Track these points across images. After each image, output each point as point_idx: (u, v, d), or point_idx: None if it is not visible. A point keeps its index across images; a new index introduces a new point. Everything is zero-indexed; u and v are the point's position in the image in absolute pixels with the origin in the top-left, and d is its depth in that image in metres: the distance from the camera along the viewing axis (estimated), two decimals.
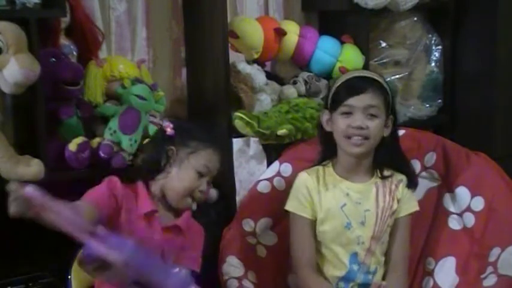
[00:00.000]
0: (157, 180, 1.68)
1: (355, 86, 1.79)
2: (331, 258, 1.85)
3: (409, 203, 1.86)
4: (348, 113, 1.77)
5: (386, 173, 1.86)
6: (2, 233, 1.88)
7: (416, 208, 1.88)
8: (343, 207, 1.82)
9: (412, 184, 1.88)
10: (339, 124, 1.78)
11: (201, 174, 1.67)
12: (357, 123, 1.75)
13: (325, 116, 1.85)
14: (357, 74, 1.87)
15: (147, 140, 1.85)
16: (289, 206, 1.87)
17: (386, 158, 1.85)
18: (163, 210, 1.69)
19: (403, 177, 1.87)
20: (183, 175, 1.66)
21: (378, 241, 1.83)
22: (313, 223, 1.85)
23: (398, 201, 1.84)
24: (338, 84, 1.84)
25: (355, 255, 1.83)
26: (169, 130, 1.70)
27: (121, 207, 1.59)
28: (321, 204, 1.83)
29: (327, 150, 1.89)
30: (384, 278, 1.87)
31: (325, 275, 1.86)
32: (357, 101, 1.76)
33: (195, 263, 1.71)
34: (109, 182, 1.60)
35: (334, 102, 1.81)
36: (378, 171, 1.86)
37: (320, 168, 1.88)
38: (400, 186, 1.85)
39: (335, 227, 1.82)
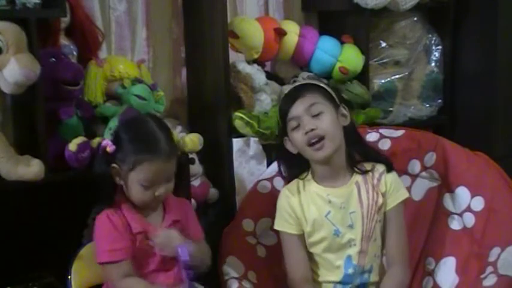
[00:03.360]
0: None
1: (290, 96, 1.83)
2: (325, 265, 1.84)
3: (396, 193, 1.84)
4: (297, 126, 1.79)
5: (366, 167, 1.85)
6: (2, 233, 1.88)
7: (406, 195, 1.86)
8: (327, 215, 1.82)
9: (389, 170, 1.86)
10: (296, 138, 1.80)
11: (146, 187, 1.61)
12: (306, 127, 1.76)
13: (288, 143, 1.86)
14: (288, 88, 1.91)
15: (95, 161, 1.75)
16: (277, 224, 1.88)
17: (356, 148, 1.86)
18: (149, 210, 1.68)
19: (384, 168, 1.87)
20: (131, 191, 1.62)
21: (369, 240, 1.82)
22: (302, 237, 1.85)
23: (383, 195, 1.84)
24: (279, 107, 1.87)
25: (349, 259, 1.82)
26: (109, 148, 1.63)
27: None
28: (306, 218, 1.83)
29: (301, 169, 1.89)
30: (382, 275, 1.86)
31: (322, 281, 1.85)
32: (297, 109, 1.78)
33: (198, 232, 1.77)
34: (105, 228, 1.61)
35: (283, 125, 1.84)
36: (355, 167, 1.85)
37: (300, 181, 1.88)
38: (383, 178, 1.84)
39: (324, 236, 1.82)
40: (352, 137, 1.85)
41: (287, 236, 1.85)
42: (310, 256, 1.86)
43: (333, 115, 1.79)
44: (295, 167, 1.90)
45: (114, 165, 1.62)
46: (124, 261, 1.59)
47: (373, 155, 1.89)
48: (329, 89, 1.85)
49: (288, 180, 1.92)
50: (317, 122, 1.76)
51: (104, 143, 1.63)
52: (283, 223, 1.86)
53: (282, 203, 1.87)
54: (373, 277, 1.85)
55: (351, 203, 1.82)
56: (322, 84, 1.87)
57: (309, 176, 1.87)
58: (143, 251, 1.64)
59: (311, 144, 1.77)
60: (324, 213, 1.82)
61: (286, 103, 1.83)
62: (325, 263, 1.84)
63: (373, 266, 1.84)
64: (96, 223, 1.64)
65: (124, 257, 1.59)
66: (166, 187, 1.63)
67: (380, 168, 1.86)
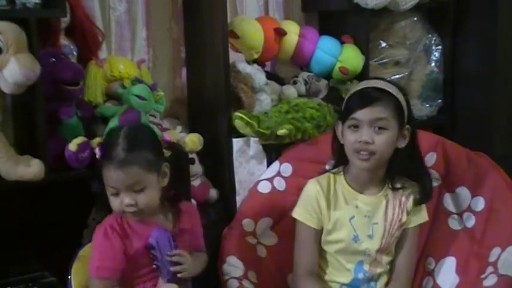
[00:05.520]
0: None
1: (364, 98, 1.74)
2: (336, 266, 1.83)
3: (419, 214, 1.83)
4: (355, 127, 1.73)
5: (397, 184, 1.81)
6: (1, 233, 1.88)
7: (426, 219, 1.86)
8: (351, 219, 1.80)
9: (423, 198, 1.81)
10: (348, 138, 1.75)
11: (112, 194, 1.56)
12: (363, 137, 1.70)
13: (339, 128, 1.81)
14: (368, 84, 1.80)
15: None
16: (297, 213, 1.84)
17: (402, 169, 1.81)
18: (156, 217, 1.65)
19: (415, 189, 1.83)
20: (109, 200, 1.58)
21: (383, 252, 1.81)
22: (318, 232, 1.83)
23: (408, 213, 1.81)
24: (350, 95, 1.80)
25: (360, 264, 1.81)
26: (97, 155, 1.58)
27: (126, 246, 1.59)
28: (330, 216, 1.81)
29: (340, 160, 1.85)
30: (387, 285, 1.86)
31: (329, 280, 1.85)
32: (364, 114, 1.71)
33: (200, 238, 1.76)
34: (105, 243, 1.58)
35: (344, 115, 1.77)
36: (389, 182, 1.81)
37: (331, 176, 1.84)
38: (411, 197, 1.81)
39: (342, 238, 1.81)
40: (402, 159, 1.79)
41: (305, 228, 1.82)
42: (322, 254, 1.85)
43: (394, 135, 1.73)
44: (338, 154, 1.85)
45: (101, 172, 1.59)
46: (109, 280, 1.57)
47: (420, 179, 1.82)
48: (404, 105, 1.76)
49: (335, 163, 1.87)
50: (375, 136, 1.70)
51: (97, 149, 1.60)
52: (305, 214, 1.82)
53: (309, 195, 1.83)
54: (380, 286, 1.84)
55: (376, 214, 1.80)
56: (400, 98, 1.75)
57: (341, 173, 1.84)
58: (144, 253, 1.61)
59: (358, 152, 1.73)
60: (348, 216, 1.80)
61: (357, 102, 1.74)
62: (336, 263, 1.83)
63: (383, 276, 1.84)
64: (95, 232, 1.62)
65: (109, 276, 1.57)
66: (135, 197, 1.54)
67: (411, 187, 1.83)
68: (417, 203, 1.81)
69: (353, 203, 1.81)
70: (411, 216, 1.81)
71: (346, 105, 1.79)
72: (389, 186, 1.81)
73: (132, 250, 1.59)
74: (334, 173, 1.85)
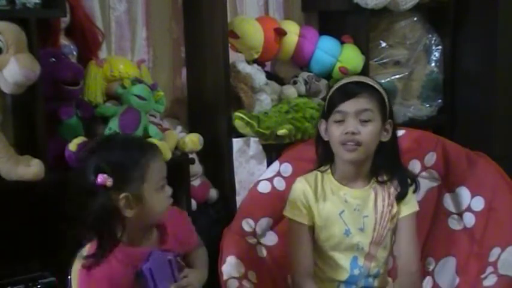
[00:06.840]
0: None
1: (347, 90, 1.77)
2: (332, 264, 1.83)
3: (410, 202, 1.83)
4: (341, 121, 1.75)
5: (384, 177, 1.82)
6: (1, 233, 1.88)
7: (416, 208, 1.86)
8: (341, 214, 1.81)
9: (400, 195, 1.81)
10: (333, 132, 1.76)
11: (162, 187, 1.50)
12: (349, 128, 1.72)
13: (322, 126, 1.83)
14: (350, 79, 1.84)
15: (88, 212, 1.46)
16: (287, 211, 1.85)
17: (385, 163, 1.82)
18: (147, 239, 1.54)
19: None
20: (152, 206, 1.47)
21: (377, 246, 1.81)
22: (311, 228, 1.84)
23: (398, 204, 1.82)
24: (332, 91, 1.82)
25: (355, 259, 1.82)
26: (109, 182, 1.40)
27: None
28: (319, 212, 1.82)
29: (325, 158, 1.87)
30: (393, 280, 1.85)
31: (326, 278, 1.85)
32: (349, 106, 1.73)
33: (195, 240, 1.69)
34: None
35: (328, 110, 1.79)
36: (376, 176, 1.82)
37: (319, 174, 1.86)
38: (399, 188, 1.83)
39: (334, 234, 1.81)
40: (386, 154, 1.80)
41: (297, 225, 1.83)
42: (318, 252, 1.85)
43: (378, 127, 1.75)
44: (322, 154, 1.87)
45: (124, 194, 1.42)
46: None
47: (398, 175, 1.82)
48: (387, 100, 1.79)
49: (318, 164, 1.88)
50: (361, 127, 1.72)
51: (100, 179, 1.40)
52: (294, 211, 1.83)
53: (297, 191, 1.84)
54: (378, 283, 1.84)
55: (366, 207, 1.81)
56: (382, 92, 1.78)
57: (329, 171, 1.85)
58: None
59: (344, 144, 1.75)
60: (338, 211, 1.81)
61: (341, 95, 1.77)
62: (331, 261, 1.83)
63: (380, 272, 1.83)
64: (78, 278, 1.48)
65: None
66: (168, 188, 1.53)
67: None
68: (397, 198, 1.81)
69: (342, 197, 1.81)
70: (402, 205, 1.81)
71: (329, 101, 1.80)
72: (376, 179, 1.82)
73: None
74: (321, 172, 1.86)
